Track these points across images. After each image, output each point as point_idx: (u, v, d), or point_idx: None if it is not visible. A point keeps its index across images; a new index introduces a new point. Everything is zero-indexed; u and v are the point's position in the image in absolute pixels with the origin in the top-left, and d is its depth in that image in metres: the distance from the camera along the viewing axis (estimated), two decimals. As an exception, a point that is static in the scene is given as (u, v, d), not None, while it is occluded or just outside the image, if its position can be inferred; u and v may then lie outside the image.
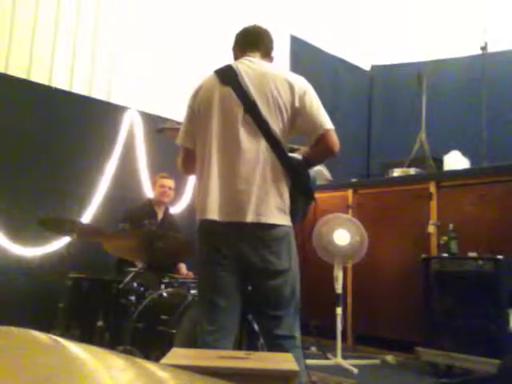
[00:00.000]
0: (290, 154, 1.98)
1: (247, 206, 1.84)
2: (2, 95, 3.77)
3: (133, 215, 3.76)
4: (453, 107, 5.96)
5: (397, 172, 4.53)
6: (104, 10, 4.49)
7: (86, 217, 4.09)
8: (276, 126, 1.89)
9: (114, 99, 4.49)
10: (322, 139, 1.90)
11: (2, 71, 3.84)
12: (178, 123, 2.40)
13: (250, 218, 1.83)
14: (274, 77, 1.92)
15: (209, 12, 5.12)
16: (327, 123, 1.90)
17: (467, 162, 4.37)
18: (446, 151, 4.56)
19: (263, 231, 1.86)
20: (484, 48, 4.85)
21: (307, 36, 6.19)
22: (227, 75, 1.96)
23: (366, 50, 6.80)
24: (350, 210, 4.46)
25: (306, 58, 6.04)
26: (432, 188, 3.99)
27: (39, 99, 3.97)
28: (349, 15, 6.57)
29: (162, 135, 2.74)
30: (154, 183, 4.10)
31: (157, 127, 2.59)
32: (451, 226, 3.54)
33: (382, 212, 4.33)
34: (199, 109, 1.99)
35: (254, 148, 1.87)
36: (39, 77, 4.06)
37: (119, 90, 4.53)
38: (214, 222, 1.88)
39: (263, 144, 1.88)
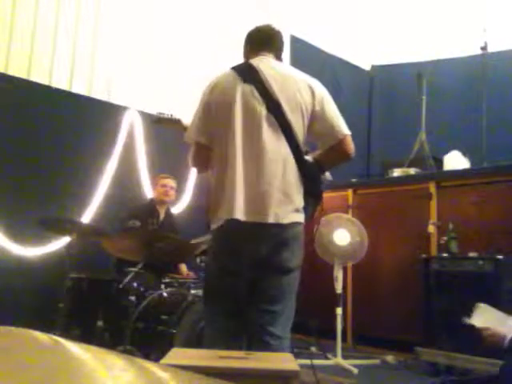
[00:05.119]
0: (307, 157, 1.98)
1: (269, 207, 1.84)
2: (2, 95, 3.77)
3: (138, 213, 3.78)
4: (453, 107, 5.95)
5: (397, 172, 4.53)
6: (104, 10, 4.48)
7: (86, 217, 4.09)
8: (297, 128, 1.89)
9: (114, 99, 4.49)
10: (340, 144, 1.92)
11: (2, 71, 3.84)
12: (176, 118, 2.38)
13: (272, 219, 1.84)
14: (297, 79, 1.93)
15: (209, 12, 5.12)
16: (345, 128, 1.93)
17: (467, 162, 4.37)
18: (446, 151, 4.56)
19: (283, 231, 1.86)
20: (484, 48, 4.85)
21: (307, 36, 6.18)
22: (248, 73, 1.93)
23: (366, 49, 6.79)
24: (350, 210, 4.46)
25: (306, 58, 6.03)
26: (432, 188, 3.99)
27: (39, 99, 3.96)
28: (349, 15, 6.57)
29: (159, 126, 2.68)
30: (155, 183, 4.11)
31: (153, 118, 2.52)
32: (451, 226, 3.54)
33: (382, 212, 4.33)
34: (217, 105, 1.93)
35: (276, 149, 1.86)
36: (39, 77, 4.05)
37: (119, 90, 4.53)
38: (239, 222, 1.82)
39: (285, 145, 1.88)
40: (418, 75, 5.08)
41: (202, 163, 2.04)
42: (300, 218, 1.91)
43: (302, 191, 1.93)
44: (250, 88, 1.90)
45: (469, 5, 6.15)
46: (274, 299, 1.89)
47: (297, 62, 5.88)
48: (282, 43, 2.14)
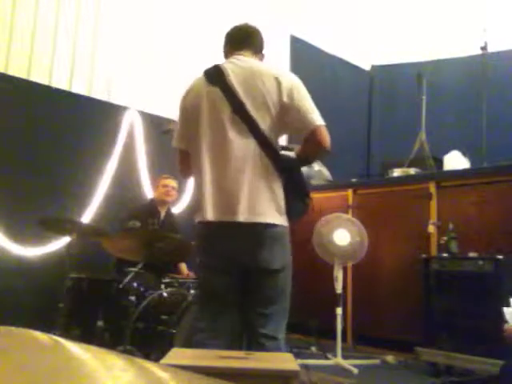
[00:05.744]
0: (283, 153, 1.96)
1: (238, 205, 1.83)
2: (2, 95, 3.77)
3: (138, 214, 3.78)
4: (453, 107, 5.96)
5: (397, 172, 4.53)
6: (104, 9, 4.49)
7: (86, 217, 4.09)
8: (264, 123, 1.87)
9: (114, 99, 4.49)
10: (312, 135, 1.86)
11: (2, 71, 3.84)
12: None
13: (242, 217, 1.82)
14: (262, 73, 1.90)
15: (209, 12, 5.12)
16: (317, 119, 1.86)
17: (467, 162, 4.37)
18: (446, 151, 4.56)
19: (257, 231, 1.85)
20: (484, 48, 4.85)
21: (307, 36, 6.19)
22: (215, 75, 1.95)
23: (365, 49, 6.79)
24: (350, 210, 4.46)
25: (306, 57, 6.03)
26: (432, 188, 3.99)
27: (39, 99, 3.96)
28: (348, 15, 6.57)
29: (168, 136, 2.73)
30: (156, 183, 4.11)
31: (162, 129, 2.56)
32: (451, 226, 3.54)
33: (382, 212, 4.33)
34: (189, 110, 2.00)
35: (242, 147, 1.86)
36: (39, 77, 4.05)
37: (119, 90, 4.53)
38: (209, 222, 1.89)
39: (252, 143, 1.86)
40: (418, 75, 5.08)
41: (184, 168, 2.09)
42: (280, 219, 1.87)
43: (280, 187, 1.89)
44: (215, 90, 1.92)
45: (469, 5, 6.15)
46: (262, 301, 1.90)
47: (297, 62, 5.90)
48: (260, 40, 2.11)
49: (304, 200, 2.00)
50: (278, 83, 1.87)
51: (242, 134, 1.87)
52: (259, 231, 1.85)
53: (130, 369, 0.66)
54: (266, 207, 1.85)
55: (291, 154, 1.99)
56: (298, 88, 1.90)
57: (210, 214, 1.87)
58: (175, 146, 2.08)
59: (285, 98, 1.86)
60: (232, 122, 1.88)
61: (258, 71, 1.92)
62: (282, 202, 1.90)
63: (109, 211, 4.14)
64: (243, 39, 2.07)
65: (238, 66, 1.95)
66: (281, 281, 1.91)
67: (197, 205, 1.97)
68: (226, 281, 1.92)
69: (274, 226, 1.86)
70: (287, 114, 1.88)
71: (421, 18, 6.44)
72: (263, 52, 2.13)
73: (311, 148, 1.93)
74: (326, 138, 1.87)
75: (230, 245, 1.88)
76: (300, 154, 1.97)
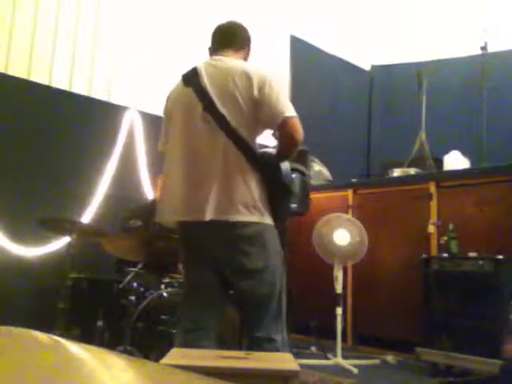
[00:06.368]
0: (263, 150, 1.96)
1: (205, 204, 1.79)
2: (2, 95, 3.77)
3: (140, 213, 3.78)
4: (453, 107, 5.95)
5: (397, 172, 4.53)
6: (104, 9, 4.48)
7: (86, 217, 4.09)
8: (235, 120, 1.85)
9: (114, 99, 4.48)
10: (281, 127, 1.83)
11: (2, 71, 3.84)
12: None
13: (209, 216, 1.79)
14: (233, 70, 1.90)
15: (209, 12, 5.11)
16: (287, 110, 1.83)
17: (467, 162, 4.37)
18: (446, 151, 4.56)
19: (230, 230, 1.81)
20: (484, 48, 4.85)
21: (307, 36, 6.18)
22: (190, 77, 1.98)
23: (365, 50, 6.79)
24: (350, 210, 4.46)
25: (306, 57, 6.03)
26: (432, 188, 3.98)
27: (39, 99, 3.96)
28: (348, 15, 6.57)
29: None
30: (155, 183, 4.12)
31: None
32: (451, 226, 3.54)
33: (382, 212, 4.33)
34: (167, 114, 2.06)
35: (211, 145, 1.86)
36: (39, 77, 4.05)
37: (119, 90, 4.53)
38: (181, 222, 1.92)
39: (222, 140, 1.84)
40: (418, 75, 5.08)
41: None
42: (255, 216, 1.82)
43: (255, 183, 1.84)
44: (188, 91, 1.95)
45: (469, 5, 6.15)
46: (251, 304, 1.89)
47: (297, 62, 5.89)
48: (243, 37, 2.10)
49: (287, 196, 1.97)
50: (249, 79, 1.86)
51: (211, 130, 1.86)
52: (228, 230, 1.81)
53: (129, 369, 0.66)
54: (239, 206, 1.80)
55: (272, 150, 1.97)
56: (269, 82, 1.86)
57: (176, 214, 1.90)
58: (160, 150, 2.12)
59: (255, 94, 1.84)
60: (203, 120, 1.89)
61: (230, 68, 1.92)
62: (259, 198, 1.84)
63: (109, 211, 4.14)
64: (224, 39, 2.08)
65: (213, 66, 1.96)
66: (267, 280, 1.86)
67: (163, 203, 1.99)
68: (204, 277, 1.91)
69: (248, 224, 1.81)
70: (260, 109, 1.86)
71: (421, 17, 6.44)
72: (249, 47, 2.12)
73: (283, 141, 1.89)
74: (297, 129, 1.82)
75: (203, 244, 1.88)
76: (278, 149, 1.94)
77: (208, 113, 1.87)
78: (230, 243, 1.83)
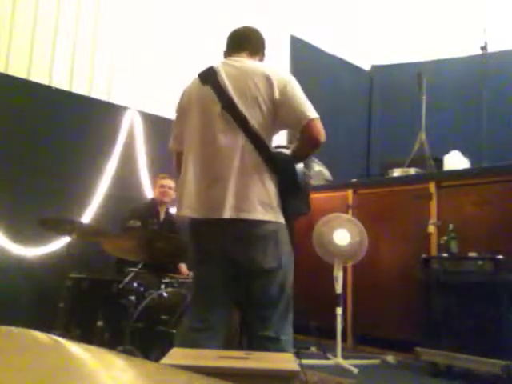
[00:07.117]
0: (278, 150, 1.96)
1: (224, 201, 1.81)
2: (2, 95, 3.77)
3: (139, 213, 3.79)
4: (453, 107, 5.96)
5: (397, 172, 4.53)
6: (104, 9, 4.48)
7: (86, 217, 4.09)
8: (255, 120, 1.86)
9: (114, 99, 4.48)
10: (305, 129, 1.85)
11: (2, 71, 3.84)
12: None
13: (228, 213, 1.80)
14: (253, 72, 1.92)
15: (209, 12, 5.12)
16: (311, 113, 1.85)
17: (467, 162, 4.37)
18: (446, 151, 4.56)
19: (246, 228, 1.82)
20: (484, 48, 4.85)
21: (307, 36, 6.19)
22: (207, 75, 1.98)
23: (365, 50, 6.80)
24: (350, 210, 4.46)
25: (305, 57, 6.03)
26: (432, 188, 3.98)
27: (39, 99, 3.96)
28: (348, 15, 6.57)
29: (168, 136, 2.74)
30: (154, 183, 4.12)
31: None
32: (451, 226, 3.54)
33: (382, 212, 4.33)
34: (182, 112, 2.04)
35: (230, 143, 1.86)
36: (39, 77, 4.05)
37: (119, 89, 4.53)
38: (195, 219, 1.90)
39: (241, 139, 1.85)
40: (418, 75, 5.08)
41: (180, 169, 2.09)
42: (272, 215, 1.84)
43: (272, 183, 1.86)
44: (207, 89, 1.94)
45: (469, 5, 6.15)
46: (261, 303, 1.88)
47: (297, 62, 5.89)
48: (258, 41, 2.12)
49: (299, 197, 1.97)
50: (270, 82, 1.88)
51: (230, 130, 1.87)
52: (249, 229, 1.82)
53: (129, 369, 0.66)
54: (256, 204, 1.81)
55: (287, 151, 1.98)
56: (290, 84, 1.90)
57: (193, 211, 1.88)
58: (171, 148, 2.12)
59: (277, 96, 1.86)
60: (221, 119, 1.89)
61: (250, 70, 1.93)
62: (275, 198, 1.87)
63: (109, 211, 4.14)
64: (240, 42, 2.09)
65: (231, 66, 1.97)
66: (279, 280, 1.87)
67: (177, 200, 1.99)
68: (215, 276, 1.90)
69: (264, 222, 1.83)
70: (280, 111, 1.88)
71: (421, 17, 6.44)
72: (264, 52, 2.14)
73: (305, 142, 1.92)
74: (320, 130, 1.85)
75: (218, 242, 1.87)
76: (295, 149, 1.95)
77: (227, 111, 1.88)
78: (247, 241, 1.84)
